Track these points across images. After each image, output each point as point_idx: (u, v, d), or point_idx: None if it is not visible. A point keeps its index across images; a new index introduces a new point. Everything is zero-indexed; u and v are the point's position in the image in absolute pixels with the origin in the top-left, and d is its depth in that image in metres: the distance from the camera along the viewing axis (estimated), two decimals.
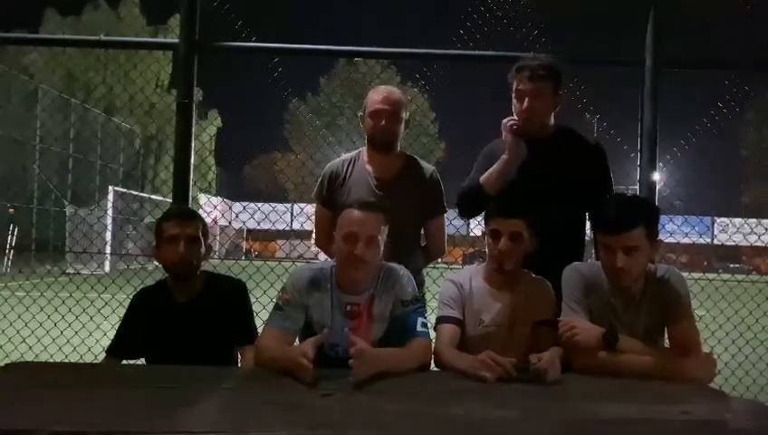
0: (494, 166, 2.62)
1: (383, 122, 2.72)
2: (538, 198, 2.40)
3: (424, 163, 2.90)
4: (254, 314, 2.55)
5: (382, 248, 2.21)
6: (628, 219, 2.06)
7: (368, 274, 2.20)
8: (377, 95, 2.76)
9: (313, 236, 3.01)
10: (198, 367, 2.09)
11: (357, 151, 2.90)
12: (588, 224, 2.78)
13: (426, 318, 2.23)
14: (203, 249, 2.44)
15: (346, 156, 2.91)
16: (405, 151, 2.91)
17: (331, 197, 2.84)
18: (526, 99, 2.61)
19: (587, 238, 2.82)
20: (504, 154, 2.61)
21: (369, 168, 2.81)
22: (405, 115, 2.78)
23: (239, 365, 2.48)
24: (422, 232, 2.93)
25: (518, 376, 1.90)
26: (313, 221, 2.99)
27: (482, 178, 2.66)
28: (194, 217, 2.48)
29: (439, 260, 3.08)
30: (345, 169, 2.84)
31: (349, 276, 2.20)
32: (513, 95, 2.68)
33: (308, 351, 1.88)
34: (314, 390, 1.76)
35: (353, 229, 2.15)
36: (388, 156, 2.79)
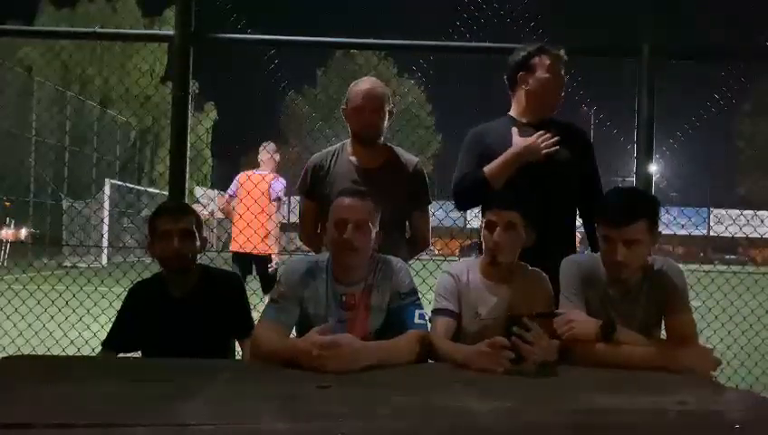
0: (501, 159, 2.61)
1: (366, 119, 2.71)
2: (538, 185, 2.46)
3: (408, 155, 2.89)
4: (252, 306, 2.55)
5: (374, 235, 2.21)
6: (631, 213, 2.06)
7: (361, 261, 2.20)
8: (359, 90, 2.74)
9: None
10: (195, 360, 2.09)
11: (341, 143, 2.89)
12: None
13: (423, 310, 2.23)
14: (198, 243, 2.44)
15: (330, 148, 2.90)
16: (389, 143, 2.89)
17: (314, 188, 2.84)
18: (558, 75, 2.72)
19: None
20: (515, 148, 2.60)
21: (352, 159, 2.80)
22: (388, 107, 2.77)
23: (238, 357, 2.48)
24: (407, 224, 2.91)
25: (512, 362, 1.90)
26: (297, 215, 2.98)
27: (487, 171, 2.64)
28: (186, 212, 2.47)
29: (436, 252, 3.07)
30: (329, 160, 2.84)
31: (342, 263, 2.20)
32: (543, 70, 2.72)
33: (320, 340, 1.87)
34: (311, 382, 1.76)
35: (343, 215, 2.16)
36: (371, 148, 2.79)
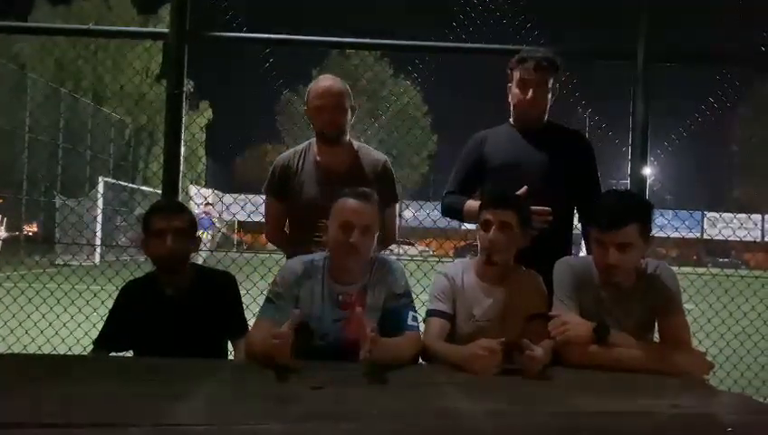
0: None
1: (326, 118, 2.71)
2: (531, 186, 2.46)
3: (376, 153, 2.89)
4: (245, 306, 2.54)
5: (376, 238, 2.21)
6: (623, 217, 2.06)
7: (363, 264, 2.20)
8: (317, 89, 2.73)
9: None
10: (187, 359, 2.08)
11: (307, 142, 2.88)
12: (576, 217, 2.81)
13: (416, 312, 2.23)
14: (192, 242, 2.42)
15: (297, 147, 2.89)
16: (354, 141, 2.88)
17: (282, 189, 2.82)
18: (531, 89, 2.67)
19: (575, 231, 2.85)
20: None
21: (319, 159, 2.79)
22: (349, 103, 2.76)
23: (231, 357, 2.47)
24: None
25: (508, 361, 1.90)
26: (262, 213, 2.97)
27: (465, 209, 2.70)
28: (181, 210, 2.45)
29: (431, 252, 3.09)
30: (297, 161, 2.83)
31: (343, 265, 2.19)
32: (515, 85, 2.72)
33: (281, 332, 1.86)
34: (305, 382, 1.75)
35: (349, 218, 2.15)
36: (337, 147, 2.77)
